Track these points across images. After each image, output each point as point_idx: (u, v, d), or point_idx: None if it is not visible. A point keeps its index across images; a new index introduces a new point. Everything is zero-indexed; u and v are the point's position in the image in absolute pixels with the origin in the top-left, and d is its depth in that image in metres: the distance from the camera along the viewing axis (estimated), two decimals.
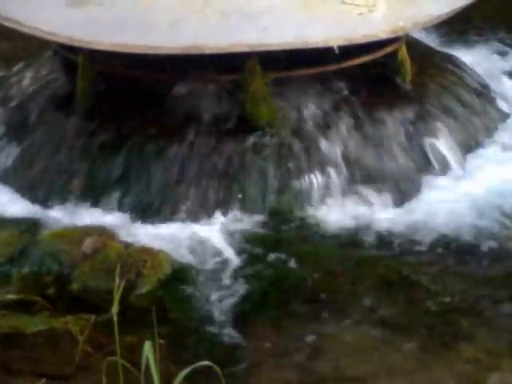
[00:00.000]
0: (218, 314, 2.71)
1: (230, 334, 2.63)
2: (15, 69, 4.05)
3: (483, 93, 3.92)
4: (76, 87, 3.53)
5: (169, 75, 3.55)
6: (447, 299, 2.77)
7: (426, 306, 2.74)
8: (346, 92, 3.55)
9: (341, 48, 3.23)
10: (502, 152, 3.64)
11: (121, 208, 3.24)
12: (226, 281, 2.88)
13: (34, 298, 2.75)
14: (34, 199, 3.36)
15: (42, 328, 2.60)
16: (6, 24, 3.48)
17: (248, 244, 3.07)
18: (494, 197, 3.32)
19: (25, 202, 3.35)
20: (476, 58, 4.32)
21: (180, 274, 2.89)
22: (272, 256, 3.00)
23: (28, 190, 3.40)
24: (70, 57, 3.62)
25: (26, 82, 3.85)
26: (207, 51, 3.19)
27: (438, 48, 4.35)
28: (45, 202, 3.32)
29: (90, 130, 3.45)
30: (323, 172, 3.30)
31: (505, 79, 4.22)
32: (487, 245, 3.04)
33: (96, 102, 3.52)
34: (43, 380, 2.26)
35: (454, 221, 3.19)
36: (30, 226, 3.16)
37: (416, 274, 2.91)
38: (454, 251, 3.03)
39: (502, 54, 4.48)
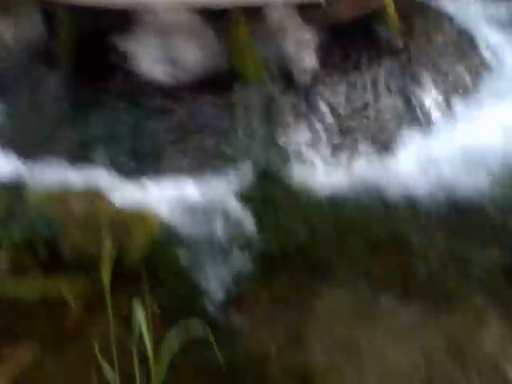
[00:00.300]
0: (209, 277, 2.73)
1: (221, 297, 2.65)
2: None
3: (466, 41, 3.93)
4: (56, 41, 3.53)
5: (154, 29, 3.52)
6: (436, 258, 2.80)
7: (414, 265, 2.77)
8: (331, 44, 3.54)
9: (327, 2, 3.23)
10: (486, 100, 3.66)
11: (110, 167, 3.23)
12: (217, 242, 2.89)
13: (25, 262, 2.78)
14: (19, 158, 3.34)
15: (33, 292, 2.63)
16: None
17: (238, 203, 3.07)
18: (478, 146, 3.33)
19: (11, 159, 3.35)
20: (459, 6, 4.31)
21: (171, 237, 2.90)
22: (260, 215, 3.01)
23: (12, 149, 3.39)
24: (51, 9, 3.59)
25: (8, 35, 3.83)
26: (192, 3, 3.22)
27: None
28: (31, 161, 3.30)
29: (73, 85, 3.44)
30: (310, 126, 3.31)
31: (488, 27, 4.22)
32: (475, 199, 3.06)
33: (79, 56, 3.50)
34: (35, 346, 2.29)
35: (440, 172, 3.22)
36: (18, 185, 3.16)
37: (404, 232, 2.95)
38: (439, 207, 3.05)
39: (485, 2, 4.48)
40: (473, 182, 3.15)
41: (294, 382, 2.33)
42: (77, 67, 3.48)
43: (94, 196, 3.03)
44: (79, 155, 3.28)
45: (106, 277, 2.00)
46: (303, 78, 3.41)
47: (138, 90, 3.36)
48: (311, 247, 2.88)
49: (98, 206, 2.95)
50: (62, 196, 3.02)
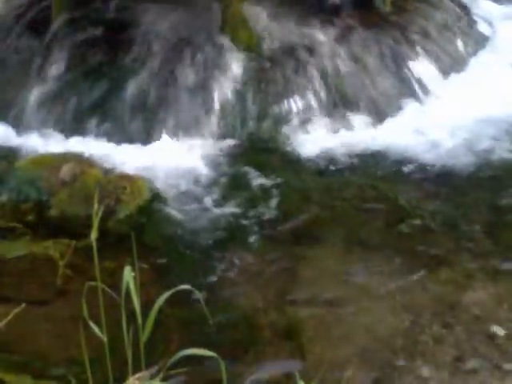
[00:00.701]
0: (197, 239, 2.73)
1: (209, 258, 2.66)
2: None
3: (464, 15, 3.92)
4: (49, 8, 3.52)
5: None
6: (425, 222, 2.80)
7: (403, 228, 2.77)
8: (326, 16, 3.53)
9: None
10: (482, 75, 3.65)
11: (98, 133, 3.24)
12: (205, 206, 2.90)
13: (13, 224, 2.77)
14: (10, 125, 3.35)
15: (22, 253, 2.63)
16: None
17: (227, 169, 3.08)
18: (471, 120, 3.33)
19: (1, 127, 3.35)
20: None
21: (159, 200, 2.90)
22: (251, 182, 3.01)
23: (4, 116, 3.39)
24: None
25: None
26: None
27: None
28: (21, 129, 3.31)
29: (67, 51, 3.42)
30: (303, 96, 3.31)
31: (485, 1, 4.22)
32: (463, 168, 3.07)
33: (70, 29, 3.48)
34: (23, 305, 2.28)
35: (431, 143, 3.22)
36: (7, 153, 3.17)
37: (394, 196, 2.94)
38: (430, 174, 3.06)
39: None
40: (464, 148, 3.16)
41: (281, 334, 2.33)
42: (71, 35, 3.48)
43: (82, 160, 3.02)
44: (69, 123, 3.29)
45: (93, 234, 1.99)
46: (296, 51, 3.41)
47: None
48: (302, 211, 2.88)
49: (86, 171, 2.94)
50: (51, 161, 3.01)
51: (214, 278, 2.57)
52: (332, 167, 3.11)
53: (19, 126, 3.33)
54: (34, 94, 3.36)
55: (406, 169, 3.09)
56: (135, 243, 2.12)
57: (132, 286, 1.92)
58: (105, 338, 1.87)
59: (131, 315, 1.85)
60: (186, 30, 3.44)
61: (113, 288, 1.98)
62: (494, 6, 4.21)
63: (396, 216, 2.84)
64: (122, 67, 3.33)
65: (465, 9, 3.99)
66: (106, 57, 3.38)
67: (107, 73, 3.33)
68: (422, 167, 3.09)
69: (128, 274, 1.93)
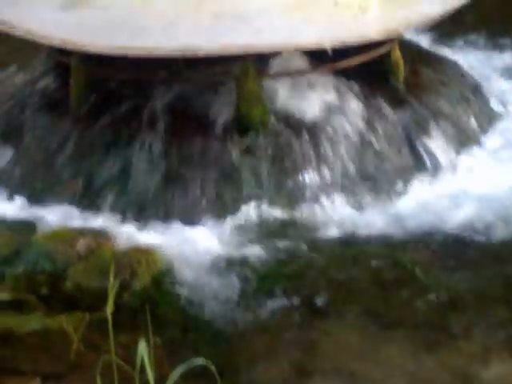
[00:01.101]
0: (211, 313, 2.72)
1: (223, 332, 2.64)
2: (8, 71, 4.05)
3: (476, 93, 3.94)
4: (69, 90, 3.55)
5: (162, 77, 3.56)
6: (441, 295, 2.78)
7: (420, 302, 2.75)
8: (340, 93, 3.56)
9: (334, 49, 3.25)
10: (495, 153, 3.66)
11: (114, 209, 3.25)
12: (219, 280, 2.88)
13: (28, 297, 2.76)
14: (27, 200, 3.36)
15: (36, 327, 2.61)
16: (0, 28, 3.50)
17: (242, 244, 3.07)
18: (483, 197, 3.32)
19: (19, 202, 3.36)
20: (470, 58, 4.35)
21: (174, 274, 2.89)
22: (265, 255, 3.01)
23: (22, 192, 3.41)
24: (64, 59, 3.64)
25: (19, 85, 3.86)
26: (200, 53, 3.20)
27: (432, 48, 4.37)
28: (39, 204, 3.33)
29: (83, 132, 3.46)
30: (318, 171, 3.32)
31: (498, 79, 4.25)
32: (477, 242, 3.07)
33: (88, 104, 3.53)
34: (38, 379, 2.27)
35: (444, 216, 3.21)
36: (25, 227, 3.17)
37: (411, 270, 2.93)
38: (445, 247, 3.05)
39: (496, 54, 4.52)
40: (477, 222, 3.17)
41: None
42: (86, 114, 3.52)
43: (98, 234, 3.03)
44: (86, 199, 3.30)
45: (109, 309, 1.99)
46: (311, 124, 3.43)
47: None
48: (317, 284, 2.88)
49: (102, 245, 2.94)
50: (67, 235, 3.03)
51: (228, 351, 2.55)
52: (348, 241, 3.10)
53: (37, 200, 3.35)
54: (51, 170, 3.40)
55: (421, 242, 3.08)
56: (150, 316, 2.12)
57: (147, 360, 1.92)
58: None
59: None
60: (201, 107, 3.47)
61: (127, 362, 1.98)
62: (507, 83, 4.23)
63: (413, 290, 2.82)
64: (136, 146, 3.35)
65: (477, 86, 4.01)
66: (122, 135, 3.41)
67: (123, 151, 3.36)
68: (437, 240, 3.08)
69: (143, 348, 1.93)
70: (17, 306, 2.73)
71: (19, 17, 3.51)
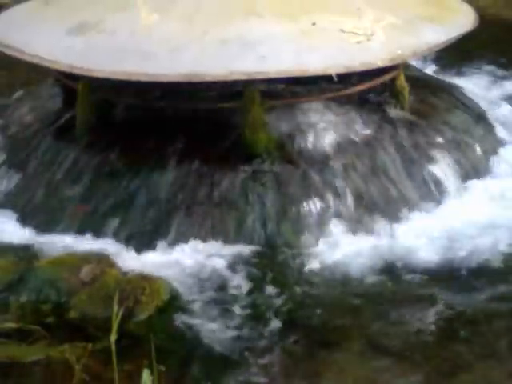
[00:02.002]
0: (216, 343, 2.68)
1: (228, 363, 2.61)
2: (16, 96, 4.06)
3: (482, 120, 3.93)
4: (75, 115, 3.55)
5: (168, 103, 3.56)
6: (446, 327, 2.75)
7: (426, 334, 2.72)
8: (344, 120, 3.55)
9: (339, 76, 3.24)
10: (501, 180, 3.64)
11: (118, 236, 3.23)
12: (224, 309, 2.85)
13: (31, 326, 2.72)
14: (33, 226, 3.35)
15: (39, 357, 2.59)
16: (7, 52, 3.51)
17: (247, 273, 3.04)
18: (488, 224, 3.30)
19: (24, 228, 3.35)
20: (475, 85, 4.35)
21: (178, 302, 2.86)
22: (271, 286, 2.98)
23: (27, 217, 3.40)
24: (70, 85, 3.64)
25: (26, 110, 3.87)
26: (206, 79, 3.21)
27: (437, 75, 4.36)
28: (44, 230, 3.31)
29: (90, 157, 3.46)
30: (322, 200, 3.30)
31: (503, 106, 4.24)
32: (483, 272, 3.04)
33: (94, 131, 3.53)
34: None
35: (450, 246, 3.18)
36: (29, 253, 3.15)
37: (415, 301, 2.90)
38: (450, 277, 3.02)
39: (501, 81, 4.53)
40: (483, 252, 3.13)
41: None
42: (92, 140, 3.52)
43: (102, 260, 3.00)
44: (90, 226, 3.28)
45: (113, 338, 1.97)
46: (316, 153, 3.42)
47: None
48: (322, 316, 2.85)
49: (106, 272, 2.92)
50: (71, 262, 3.00)
51: (233, 380, 2.52)
52: (351, 271, 3.06)
53: (42, 225, 3.34)
54: (58, 197, 3.40)
55: (426, 272, 3.04)
56: (153, 345, 2.10)
57: None
58: None
59: None
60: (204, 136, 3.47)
61: None
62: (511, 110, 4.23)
63: (417, 321, 2.79)
64: (140, 173, 3.36)
65: (482, 113, 4.00)
66: (127, 163, 3.41)
67: (127, 179, 3.35)
68: (442, 271, 3.05)
69: (146, 378, 1.91)
70: (21, 335, 2.70)
71: (26, 41, 3.51)
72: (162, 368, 2.31)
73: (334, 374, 2.56)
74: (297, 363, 2.61)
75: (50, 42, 3.47)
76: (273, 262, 3.12)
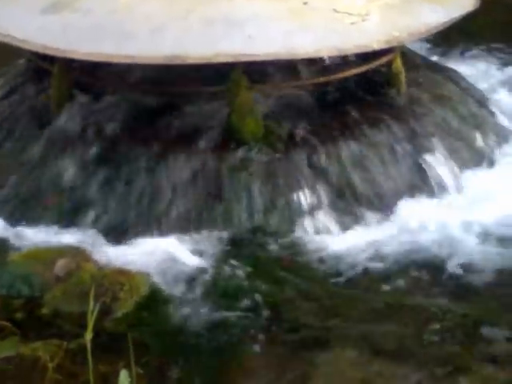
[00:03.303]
0: (196, 339, 2.69)
1: (209, 360, 2.61)
2: None
3: (482, 107, 3.94)
4: (49, 101, 3.55)
5: (148, 87, 3.55)
6: (438, 326, 2.75)
7: (417, 333, 2.72)
8: (337, 105, 3.56)
9: (332, 58, 3.25)
10: (503, 170, 3.65)
11: (95, 228, 3.22)
12: (206, 304, 2.86)
13: (1, 322, 2.72)
14: (6, 218, 3.33)
15: (9, 354, 2.57)
16: None
17: (231, 266, 3.04)
18: (490, 218, 3.31)
19: None
20: (475, 71, 4.36)
21: (158, 297, 2.87)
22: (255, 278, 2.98)
23: (1, 208, 3.37)
24: (44, 65, 3.62)
25: None
26: (189, 61, 3.18)
27: (435, 60, 4.37)
28: (18, 222, 3.29)
29: (66, 145, 3.44)
30: (311, 189, 3.30)
31: (505, 92, 4.26)
32: (480, 268, 3.04)
33: (70, 115, 3.52)
34: None
35: (446, 240, 3.19)
36: (2, 247, 3.13)
37: (409, 300, 2.91)
38: (447, 274, 3.02)
39: (503, 66, 4.54)
40: (482, 247, 3.15)
41: None
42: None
43: (78, 254, 2.99)
44: (67, 217, 3.28)
45: (88, 335, 1.96)
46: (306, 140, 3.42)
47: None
48: (310, 313, 2.85)
49: (82, 266, 2.91)
50: (45, 256, 2.99)
51: (215, 378, 2.53)
52: (340, 266, 3.07)
53: (14, 217, 3.32)
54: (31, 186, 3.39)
55: (420, 269, 3.05)
56: (131, 344, 2.09)
57: None
58: None
59: None
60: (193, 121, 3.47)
61: None
62: None
63: (412, 321, 2.79)
64: (120, 161, 3.36)
65: (483, 99, 4.01)
66: (105, 152, 3.40)
67: (105, 167, 3.35)
68: (438, 267, 3.05)
69: (124, 378, 1.91)
70: None
71: None
72: (140, 368, 2.32)
73: (323, 374, 2.56)
74: (283, 361, 2.61)
75: (23, 21, 3.45)
76: (259, 254, 3.12)
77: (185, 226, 3.20)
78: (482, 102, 3.97)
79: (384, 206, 3.34)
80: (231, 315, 2.80)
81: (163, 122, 3.46)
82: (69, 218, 3.27)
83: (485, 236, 3.21)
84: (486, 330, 2.73)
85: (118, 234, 3.19)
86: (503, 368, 2.56)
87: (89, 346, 1.92)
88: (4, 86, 3.92)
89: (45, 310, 2.79)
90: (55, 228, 3.24)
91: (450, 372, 2.54)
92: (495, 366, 2.57)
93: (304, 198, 3.28)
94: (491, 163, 3.68)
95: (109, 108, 3.54)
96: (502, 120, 3.95)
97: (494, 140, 3.80)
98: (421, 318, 2.79)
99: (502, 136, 3.85)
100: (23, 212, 3.33)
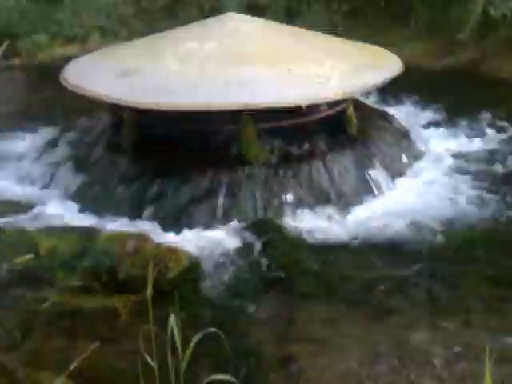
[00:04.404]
0: (223, 295, 2.67)
1: (231, 309, 2.59)
2: (80, 121, 4.00)
3: (406, 137, 3.89)
4: (122, 135, 3.51)
5: (188, 126, 3.51)
6: (381, 283, 2.71)
7: (368, 290, 2.69)
8: (308, 139, 3.50)
9: (308, 106, 3.24)
10: (418, 179, 3.59)
11: (153, 219, 3.18)
12: (230, 271, 2.82)
13: (91, 283, 2.71)
14: (93, 213, 3.28)
15: (96, 305, 2.57)
16: (74, 90, 3.46)
17: (245, 245, 3.00)
18: (414, 209, 3.27)
19: (87, 214, 3.29)
20: (402, 114, 4.32)
21: (195, 266, 2.83)
22: (261, 252, 2.94)
23: (90, 206, 3.33)
24: (119, 113, 3.58)
25: (88, 131, 3.82)
26: (213, 108, 3.17)
27: (377, 106, 4.34)
28: (101, 215, 3.25)
29: (134, 164, 3.41)
30: (295, 193, 3.26)
31: (421, 128, 4.22)
32: (415, 243, 3.00)
33: (137, 145, 3.48)
34: (98, 342, 2.21)
35: (387, 226, 3.14)
36: (90, 232, 3.08)
37: (361, 265, 2.87)
38: (388, 250, 2.97)
39: (419, 112, 4.50)
40: (413, 230, 3.11)
41: (280, 362, 2.29)
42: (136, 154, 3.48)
43: (142, 237, 2.95)
44: (134, 211, 3.24)
45: (149, 292, 1.93)
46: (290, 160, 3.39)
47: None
48: (297, 273, 2.83)
49: (145, 245, 2.87)
50: (120, 238, 2.95)
51: (233, 322, 2.50)
52: (317, 244, 3.03)
53: (100, 212, 3.29)
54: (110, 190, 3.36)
55: (371, 246, 3.01)
56: (178, 298, 2.07)
57: (175, 329, 1.87)
58: (155, 366, 1.81)
59: (174, 349, 1.80)
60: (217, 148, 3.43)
61: (162, 330, 1.92)
62: (427, 131, 4.20)
63: (362, 280, 2.76)
64: (172, 173, 3.32)
65: (407, 132, 3.96)
66: (166, 163, 3.37)
67: (164, 176, 3.31)
68: (382, 240, 3.02)
69: (173, 320, 1.88)
70: (84, 290, 2.68)
71: (88, 82, 3.47)
72: (184, 314, 2.28)
73: (303, 318, 2.55)
74: (278, 309, 2.60)
75: (105, 83, 3.42)
76: (262, 237, 3.05)
77: (209, 220, 3.16)
78: (405, 133, 3.92)
79: (343, 202, 3.30)
80: (247, 278, 2.78)
81: (195, 148, 3.42)
82: (135, 212, 3.23)
83: (409, 218, 3.18)
84: (409, 285, 2.71)
85: (168, 224, 3.14)
86: (422, 311, 2.54)
87: (149, 299, 1.89)
88: (91, 125, 3.89)
89: (120, 275, 2.76)
90: (126, 219, 3.21)
91: (388, 314, 2.54)
92: (417, 309, 2.56)
93: (290, 199, 3.24)
94: (411, 173, 3.64)
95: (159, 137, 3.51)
96: (418, 145, 3.90)
97: (412, 158, 3.75)
98: (365, 280, 2.76)
99: (417, 156, 3.80)
100: (106, 208, 3.29)
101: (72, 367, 1.80)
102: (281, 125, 3.45)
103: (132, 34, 5.77)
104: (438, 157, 3.81)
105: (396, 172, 3.57)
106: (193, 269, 2.83)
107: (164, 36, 3.88)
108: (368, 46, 4.00)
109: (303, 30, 4.06)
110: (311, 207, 3.23)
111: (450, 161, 3.77)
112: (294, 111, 3.40)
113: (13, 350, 2.35)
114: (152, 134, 3.52)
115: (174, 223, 3.14)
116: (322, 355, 2.33)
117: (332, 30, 4.74)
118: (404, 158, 3.69)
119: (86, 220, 3.22)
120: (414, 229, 3.10)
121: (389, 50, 3.96)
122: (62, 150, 3.69)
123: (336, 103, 3.47)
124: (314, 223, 3.15)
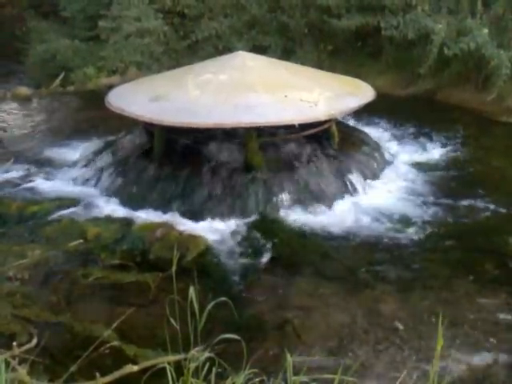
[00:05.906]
0: (232, 272, 2.67)
1: (239, 283, 2.60)
2: (120, 135, 4.00)
3: (377, 149, 3.88)
4: (153, 146, 3.51)
5: (206, 139, 3.52)
6: (358, 264, 2.72)
7: (347, 269, 2.68)
8: (300, 150, 3.50)
9: (300, 124, 3.22)
10: (387, 182, 3.58)
11: (178, 212, 3.17)
12: (237, 253, 2.82)
13: (128, 262, 2.72)
14: (130, 207, 3.28)
15: (131, 280, 2.59)
16: (117, 111, 3.45)
17: (250, 233, 3.00)
18: (384, 206, 3.27)
19: (125, 208, 3.28)
20: (375, 132, 4.30)
21: (210, 250, 2.84)
22: (263, 240, 2.94)
23: (127, 202, 3.33)
24: (151, 129, 3.59)
25: (126, 142, 3.82)
26: (226, 126, 3.18)
27: (355, 125, 4.33)
28: (136, 208, 3.25)
29: (162, 169, 3.39)
30: (289, 193, 3.25)
31: (389, 142, 4.20)
32: (389, 234, 2.99)
33: (164, 154, 3.48)
34: (132, 308, 2.21)
35: (360, 220, 3.14)
36: (128, 222, 3.10)
37: (341, 250, 2.87)
38: (366, 240, 2.96)
39: (389, 129, 4.48)
40: (384, 223, 3.10)
41: (279, 324, 2.29)
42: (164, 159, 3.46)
43: (168, 226, 2.96)
44: (162, 207, 3.23)
45: (173, 269, 1.93)
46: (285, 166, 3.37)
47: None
48: (286, 252, 2.84)
49: (170, 232, 2.87)
50: (151, 227, 2.97)
51: (240, 294, 2.51)
52: (307, 232, 3.02)
53: (135, 207, 3.27)
54: (144, 190, 3.33)
55: (349, 231, 3.01)
56: (196, 274, 2.06)
57: (194, 298, 1.86)
58: (178, 327, 1.81)
59: (193, 314, 1.79)
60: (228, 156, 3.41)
61: (183, 299, 1.92)
62: (394, 144, 4.18)
63: (343, 262, 2.76)
64: (193, 176, 3.30)
65: (378, 145, 3.94)
66: (187, 168, 3.34)
67: (186, 178, 3.29)
68: (359, 232, 3.01)
69: (192, 291, 1.88)
70: (122, 267, 2.69)
71: (127, 105, 3.46)
72: (201, 285, 2.27)
73: (293, 290, 2.54)
74: (276, 284, 2.59)
75: (139, 105, 3.41)
76: (263, 226, 3.05)
77: (221, 213, 3.14)
78: (377, 147, 3.90)
79: (328, 200, 3.28)
80: (252, 261, 2.77)
81: (211, 157, 3.41)
82: (163, 206, 3.21)
83: (380, 212, 3.19)
84: (384, 267, 2.70)
85: (189, 216, 3.13)
86: (392, 286, 2.53)
87: (174, 275, 1.89)
88: (129, 139, 3.86)
89: (151, 256, 2.78)
90: (155, 212, 3.19)
91: (360, 287, 2.53)
92: (386, 286, 2.54)
93: (285, 197, 3.23)
94: (381, 178, 3.62)
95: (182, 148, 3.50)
96: (387, 156, 3.88)
97: (382, 166, 3.73)
98: (347, 261, 2.76)
99: (386, 164, 3.78)
100: (140, 203, 3.27)
101: (114, 325, 1.80)
102: (279, 139, 3.45)
103: (161, 68, 5.79)
104: (403, 166, 3.80)
105: (369, 177, 3.56)
106: (208, 251, 2.83)
107: (186, 69, 3.88)
108: (347, 77, 3.99)
109: (296, 65, 4.07)
110: (302, 204, 3.22)
111: (411, 169, 3.76)
112: (289, 128, 3.40)
113: (63, 313, 2.35)
114: (176, 146, 3.52)
115: (194, 216, 3.14)
116: (310, 320, 2.34)
117: (319, 65, 4.74)
118: (375, 166, 3.68)
119: (124, 212, 3.23)
120: (383, 220, 3.11)
121: (364, 81, 3.95)
122: (106, 158, 3.70)
123: (322, 122, 3.47)
124: (304, 216, 3.15)
